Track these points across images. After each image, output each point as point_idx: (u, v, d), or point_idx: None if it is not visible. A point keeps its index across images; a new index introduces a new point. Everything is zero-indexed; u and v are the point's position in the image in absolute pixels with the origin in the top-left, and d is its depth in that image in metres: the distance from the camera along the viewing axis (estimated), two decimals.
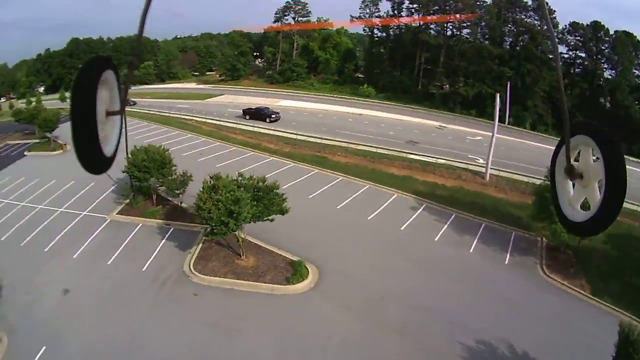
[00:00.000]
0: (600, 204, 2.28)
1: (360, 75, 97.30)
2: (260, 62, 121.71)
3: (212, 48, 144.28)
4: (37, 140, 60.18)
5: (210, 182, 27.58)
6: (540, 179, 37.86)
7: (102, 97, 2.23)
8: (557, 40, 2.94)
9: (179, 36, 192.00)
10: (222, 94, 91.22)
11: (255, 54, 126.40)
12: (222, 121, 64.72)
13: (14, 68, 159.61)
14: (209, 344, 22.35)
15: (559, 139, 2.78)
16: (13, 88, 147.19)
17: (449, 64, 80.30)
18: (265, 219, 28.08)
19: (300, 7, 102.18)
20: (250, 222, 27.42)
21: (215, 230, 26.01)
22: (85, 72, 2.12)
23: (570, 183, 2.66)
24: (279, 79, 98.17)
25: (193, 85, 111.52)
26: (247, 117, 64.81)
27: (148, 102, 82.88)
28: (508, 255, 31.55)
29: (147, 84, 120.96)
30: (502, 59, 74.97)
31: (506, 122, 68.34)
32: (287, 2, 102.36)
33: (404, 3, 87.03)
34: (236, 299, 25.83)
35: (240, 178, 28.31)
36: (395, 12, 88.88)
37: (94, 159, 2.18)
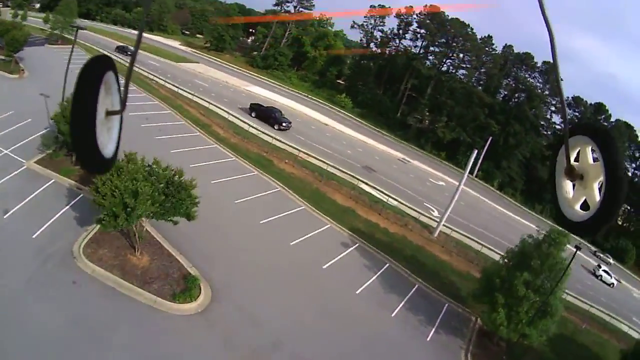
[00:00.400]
0: (600, 204, 2.28)
1: (341, 82, 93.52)
2: (251, 41, 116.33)
3: (208, 13, 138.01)
4: (2, 57, 55.31)
5: (120, 160, 23.23)
6: (494, 251, 33.93)
7: (103, 98, 2.21)
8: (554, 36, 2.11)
9: None
10: (197, 62, 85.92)
11: (250, 30, 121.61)
12: (182, 90, 59.34)
13: None
14: (62, 347, 18.30)
15: (559, 139, 2.69)
16: None
17: (435, 98, 77.33)
18: (168, 219, 24.22)
19: None
20: (146, 219, 24.43)
21: (103, 222, 22.17)
22: (88, 73, 2.09)
23: (570, 184, 2.62)
24: (260, 63, 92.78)
25: (176, 44, 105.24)
26: (253, 114, 56.53)
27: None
28: (433, 331, 27.82)
29: (135, 29, 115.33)
30: (492, 110, 71.85)
31: (474, 174, 65.49)
32: None
33: (411, 25, 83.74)
34: (113, 302, 21.65)
35: (155, 166, 24.49)
36: (400, 31, 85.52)
37: (92, 160, 2.17)
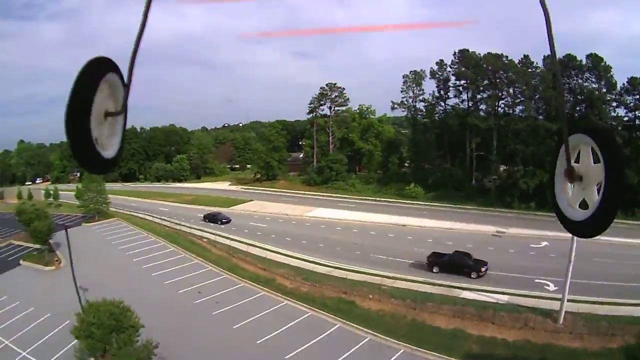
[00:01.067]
0: (600, 203, 2.30)
1: (405, 168, 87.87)
2: (302, 157, 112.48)
3: (252, 140, 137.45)
4: (37, 246, 54.33)
5: None
6: None
7: (103, 97, 2.26)
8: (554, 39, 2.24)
9: (227, 124, 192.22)
10: (250, 200, 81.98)
11: (299, 143, 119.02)
12: (237, 241, 54.80)
13: (49, 148, 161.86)
14: None
15: (558, 139, 2.76)
16: (49, 170, 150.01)
17: (504, 148, 70.06)
18: None
19: (337, 94, 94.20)
20: None
21: None
22: (86, 72, 2.13)
23: (569, 185, 2.64)
24: (316, 179, 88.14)
25: (226, 185, 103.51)
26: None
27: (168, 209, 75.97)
28: None
29: (181, 181, 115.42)
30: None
31: None
32: (322, 88, 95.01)
33: (449, 80, 78.32)
34: None
35: None
36: (441, 92, 80.00)
37: (88, 158, 2.18)
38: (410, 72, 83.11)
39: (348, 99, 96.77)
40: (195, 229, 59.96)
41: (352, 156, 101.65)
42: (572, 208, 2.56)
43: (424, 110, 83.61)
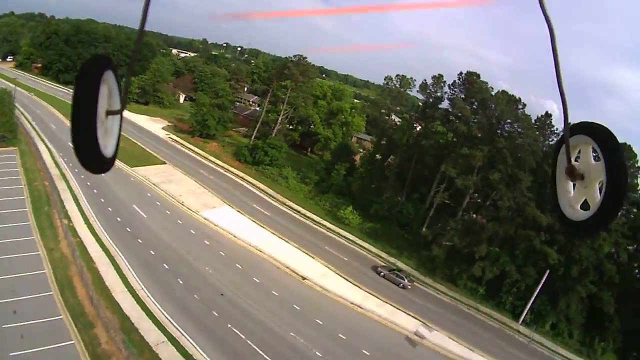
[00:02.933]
0: (601, 203, 2.34)
1: (353, 180, 70.63)
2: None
3: (218, 76, 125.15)
4: None
5: None
6: None
7: (103, 97, 2.27)
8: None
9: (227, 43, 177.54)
10: (164, 162, 70.58)
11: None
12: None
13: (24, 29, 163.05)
14: None
15: (558, 138, 2.79)
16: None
17: (473, 214, 58.05)
18: None
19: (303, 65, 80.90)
20: None
21: None
22: (87, 72, 2.16)
23: (571, 184, 2.69)
24: (247, 158, 75.57)
25: (160, 126, 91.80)
26: None
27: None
28: None
29: None
30: (551, 231, 50.88)
31: (521, 319, 49.92)
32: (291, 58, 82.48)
33: (440, 102, 65.50)
34: None
35: None
36: (426, 111, 66.60)
37: (93, 159, 2.20)
38: (397, 75, 70.48)
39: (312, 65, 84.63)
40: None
41: (307, 134, 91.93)
42: (573, 209, 2.59)
43: (397, 124, 70.92)
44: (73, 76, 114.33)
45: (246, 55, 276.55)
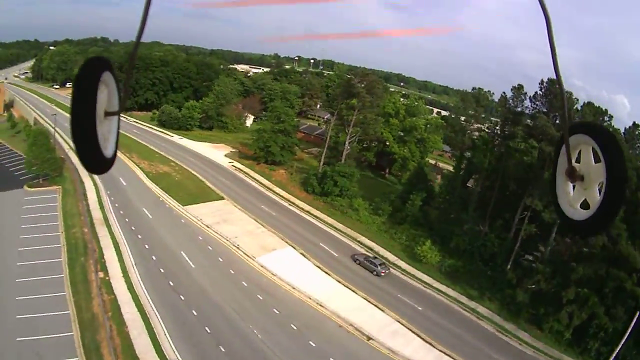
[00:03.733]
0: (600, 204, 2.39)
1: (431, 209, 61.92)
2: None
3: (291, 94, 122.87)
4: None
5: None
6: None
7: (101, 97, 2.35)
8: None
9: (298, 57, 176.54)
10: (222, 198, 64.40)
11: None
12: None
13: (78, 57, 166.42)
14: None
15: (559, 139, 2.80)
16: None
17: (561, 254, 47.47)
18: None
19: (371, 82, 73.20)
20: None
21: None
22: (85, 73, 2.23)
23: (571, 185, 2.72)
24: (316, 187, 67.93)
25: (223, 153, 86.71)
26: None
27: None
28: None
29: (188, 129, 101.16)
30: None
31: None
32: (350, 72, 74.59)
33: (522, 117, 55.28)
34: None
35: None
36: (505, 129, 57.54)
37: (94, 159, 2.29)
38: (473, 88, 63.28)
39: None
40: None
41: (383, 153, 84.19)
42: (573, 208, 2.63)
43: (474, 144, 62.06)
44: (131, 102, 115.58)
45: (321, 67, 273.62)
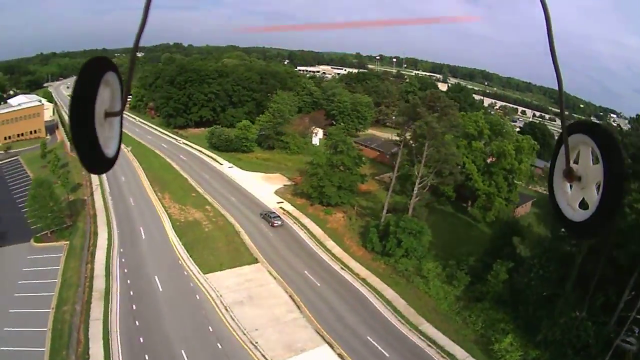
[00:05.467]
0: (599, 204, 2.43)
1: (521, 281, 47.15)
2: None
3: (362, 105, 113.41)
4: None
5: None
6: None
7: (103, 97, 2.40)
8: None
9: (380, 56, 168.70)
10: (255, 261, 53.67)
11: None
12: None
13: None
14: None
15: (558, 139, 2.84)
16: None
17: None
18: None
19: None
20: None
21: None
22: (86, 73, 2.26)
23: (568, 185, 2.77)
24: (375, 244, 55.68)
25: (275, 187, 76.72)
26: None
27: None
28: None
29: (244, 151, 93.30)
30: None
31: None
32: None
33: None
34: None
35: None
36: None
37: (93, 159, 2.33)
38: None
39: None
40: None
41: (463, 186, 70.69)
42: (571, 208, 2.67)
43: None
44: (185, 120, 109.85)
45: (405, 65, 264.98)
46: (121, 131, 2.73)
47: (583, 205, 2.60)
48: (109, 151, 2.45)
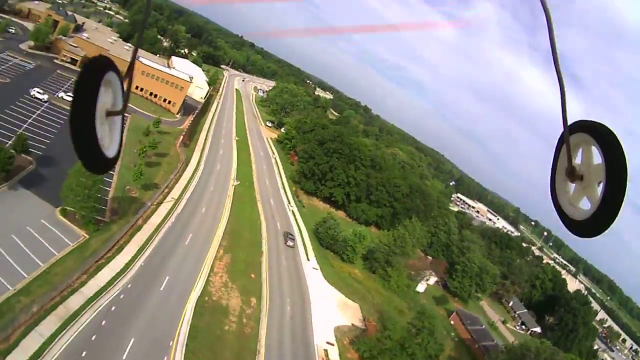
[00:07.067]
0: (601, 202, 2.47)
1: None
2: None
3: None
4: None
5: None
6: None
7: (103, 98, 2.42)
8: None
9: None
10: None
11: None
12: None
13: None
14: None
15: (560, 138, 2.88)
16: None
17: None
18: None
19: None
20: None
21: None
22: (87, 73, 2.29)
23: (570, 184, 2.80)
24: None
25: (349, 312, 64.01)
26: None
27: None
28: None
29: (343, 259, 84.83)
30: None
31: None
32: None
33: None
34: None
35: None
36: None
37: (93, 159, 2.36)
38: None
39: None
40: None
41: None
42: (573, 207, 2.73)
43: None
44: (315, 188, 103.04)
45: (550, 244, 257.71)
46: (122, 130, 2.75)
47: (584, 203, 2.64)
48: (110, 151, 2.47)
